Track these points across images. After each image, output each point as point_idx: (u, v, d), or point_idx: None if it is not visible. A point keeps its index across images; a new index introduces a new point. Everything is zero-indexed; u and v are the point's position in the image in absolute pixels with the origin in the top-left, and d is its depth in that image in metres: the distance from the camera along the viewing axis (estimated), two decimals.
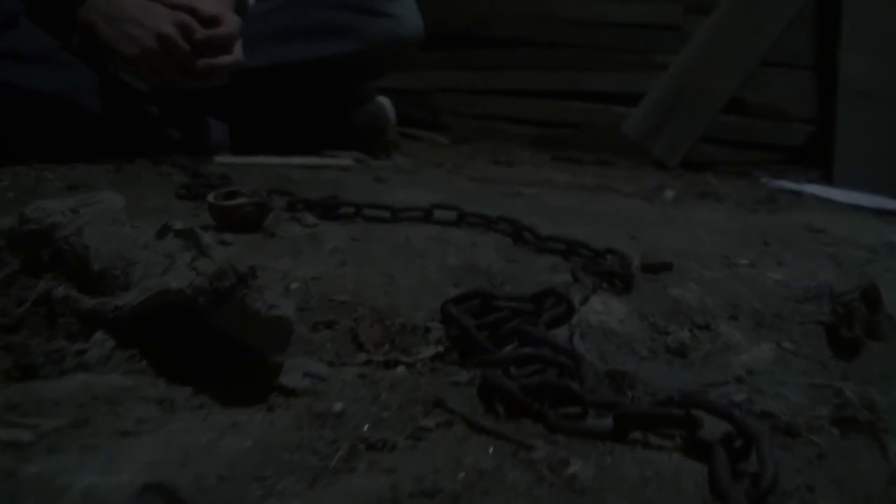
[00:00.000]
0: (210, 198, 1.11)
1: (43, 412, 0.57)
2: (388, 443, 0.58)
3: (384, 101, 2.05)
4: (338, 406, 0.63)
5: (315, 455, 0.56)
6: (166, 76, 1.65)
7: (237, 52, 1.69)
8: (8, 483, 0.49)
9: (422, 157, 2.16)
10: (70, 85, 1.61)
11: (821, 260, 1.27)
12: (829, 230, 1.55)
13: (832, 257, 1.29)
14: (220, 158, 1.76)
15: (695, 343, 0.87)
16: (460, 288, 0.93)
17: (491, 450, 0.59)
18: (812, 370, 0.84)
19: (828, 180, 2.64)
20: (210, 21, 1.69)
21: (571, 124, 3.13)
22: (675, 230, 1.40)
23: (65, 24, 1.63)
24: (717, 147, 2.91)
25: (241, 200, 1.10)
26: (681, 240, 1.30)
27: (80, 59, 1.67)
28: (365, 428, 0.60)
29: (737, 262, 1.17)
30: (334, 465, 0.55)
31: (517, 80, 3.21)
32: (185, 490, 0.49)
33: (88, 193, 0.86)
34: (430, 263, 1.00)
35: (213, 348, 0.66)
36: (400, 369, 0.73)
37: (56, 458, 0.52)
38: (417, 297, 0.88)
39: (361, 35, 1.94)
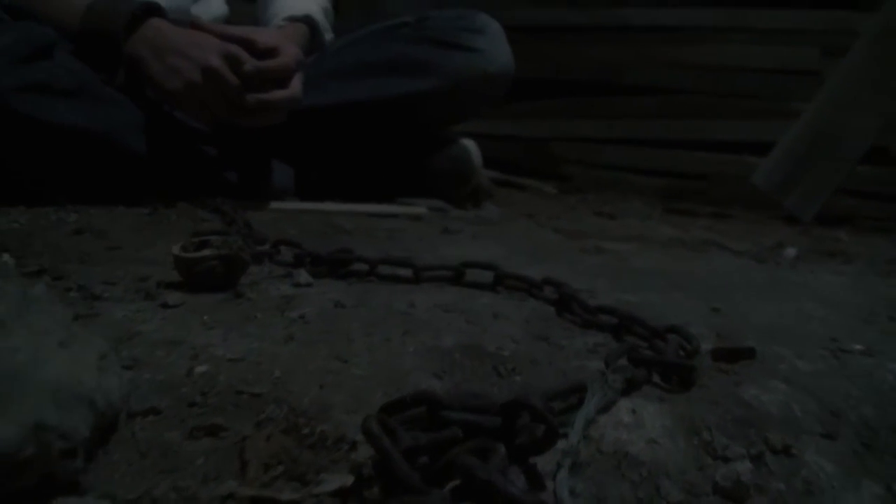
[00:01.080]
0: (175, 249, 0.88)
1: None
2: None
3: (468, 144, 1.80)
4: None
5: None
6: (214, 113, 1.44)
7: (294, 87, 1.48)
8: None
9: (516, 207, 1.90)
10: (108, 121, 1.42)
11: None
12: None
13: None
14: (276, 204, 1.54)
15: (760, 480, 0.57)
16: (445, 379, 0.66)
17: None
18: None
19: None
20: (266, 53, 1.48)
21: (700, 175, 2.81)
22: (778, 300, 1.08)
23: (110, 58, 1.44)
24: (857, 200, 2.54)
25: (204, 253, 0.86)
26: (780, 314, 0.99)
27: (127, 95, 1.48)
28: None
29: (848, 348, 0.85)
30: None
31: (643, 129, 2.92)
32: None
33: None
34: (416, 342, 0.73)
35: None
36: None
37: None
38: (366, 394, 0.61)
39: (442, 72, 1.70)
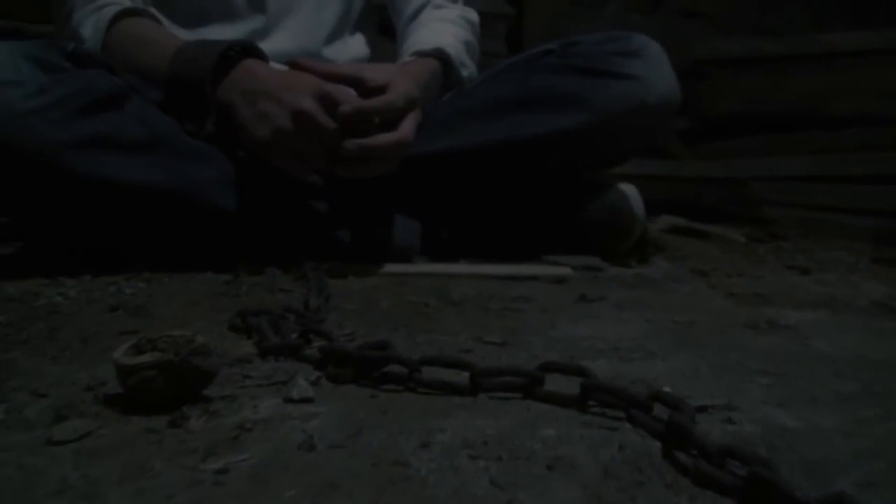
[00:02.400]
0: (119, 351, 0.60)
1: None
2: None
3: (628, 189, 1.44)
4: None
5: None
6: (309, 163, 1.18)
7: (403, 130, 1.19)
8: None
9: (690, 261, 1.52)
10: (189, 176, 1.18)
11: None
12: None
13: None
14: (390, 267, 1.25)
15: None
16: None
17: None
18: None
19: None
20: (376, 92, 1.21)
21: None
22: None
23: (198, 106, 1.21)
24: None
25: (141, 359, 0.58)
26: None
27: (219, 147, 1.24)
28: None
29: None
30: None
31: (852, 164, 2.45)
32: None
33: None
34: None
35: None
36: None
37: None
38: None
39: (591, 105, 1.36)
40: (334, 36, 1.59)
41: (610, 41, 1.42)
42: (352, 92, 1.20)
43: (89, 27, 1.33)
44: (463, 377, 0.64)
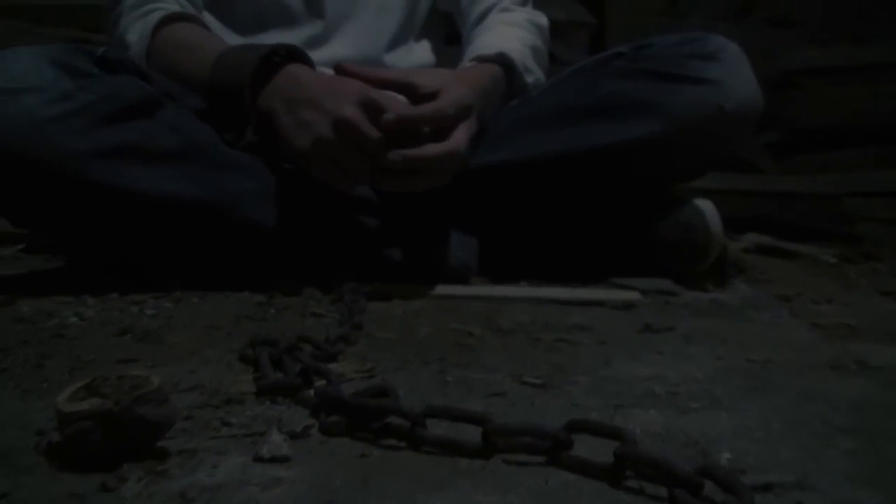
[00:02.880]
0: (62, 395, 0.49)
1: None
2: None
3: (704, 205, 1.29)
4: None
5: None
6: (352, 175, 1.07)
7: (454, 140, 1.07)
8: None
9: (775, 285, 1.36)
10: (224, 189, 1.09)
11: None
12: None
13: None
14: (442, 289, 1.13)
15: None
16: None
17: None
18: None
19: None
20: (428, 99, 1.09)
21: None
22: None
23: (238, 114, 1.11)
24: None
25: (78, 408, 0.47)
26: None
27: (261, 157, 1.15)
28: None
29: None
30: None
31: None
32: None
33: None
34: None
35: None
36: None
37: None
38: None
39: (664, 112, 1.21)
40: (397, 42, 1.48)
41: (685, 43, 1.27)
42: (401, 99, 1.09)
43: (135, 33, 1.25)
44: (475, 435, 0.52)
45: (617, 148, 1.22)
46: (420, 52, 1.51)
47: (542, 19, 1.49)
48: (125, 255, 1.13)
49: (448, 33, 1.62)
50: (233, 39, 1.40)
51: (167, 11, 1.25)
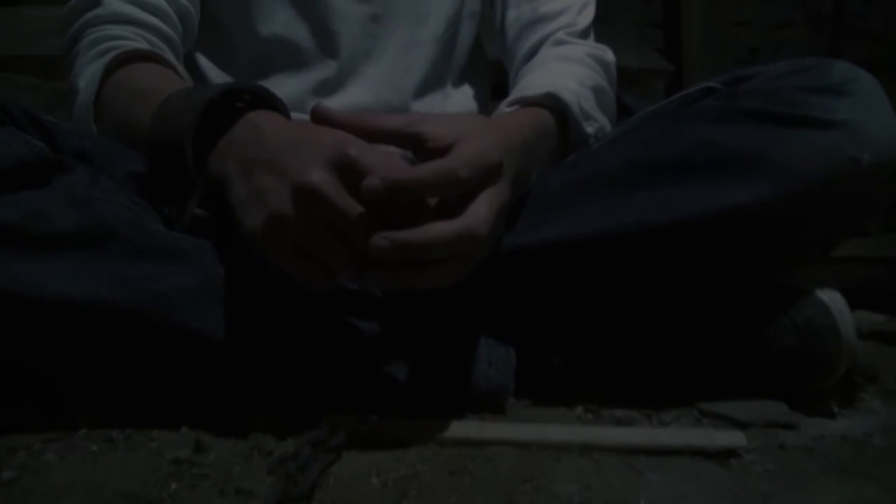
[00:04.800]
0: None
1: None
2: None
3: (831, 299, 0.84)
4: None
5: None
6: (324, 268, 0.67)
7: (474, 215, 0.67)
8: None
9: None
10: (140, 288, 0.69)
11: None
12: None
13: None
14: (457, 426, 0.72)
15: None
16: None
17: None
18: None
19: None
20: (439, 154, 0.70)
21: None
22: None
23: (179, 180, 0.73)
24: None
25: None
26: None
27: (212, 240, 0.76)
28: None
29: None
30: None
31: None
32: None
33: None
34: None
35: None
36: None
37: None
38: None
39: (775, 167, 0.78)
40: (429, 85, 1.10)
41: (799, 72, 0.84)
42: (394, 155, 0.69)
43: (85, 77, 0.89)
44: None
45: (709, 220, 0.79)
46: (459, 100, 1.13)
47: (608, 55, 1.08)
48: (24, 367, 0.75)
49: (495, 83, 1.23)
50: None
51: (126, 48, 0.89)
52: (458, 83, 1.15)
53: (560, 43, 1.06)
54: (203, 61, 1.08)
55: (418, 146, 0.72)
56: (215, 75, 1.08)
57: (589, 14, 1.11)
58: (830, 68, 0.83)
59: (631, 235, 0.80)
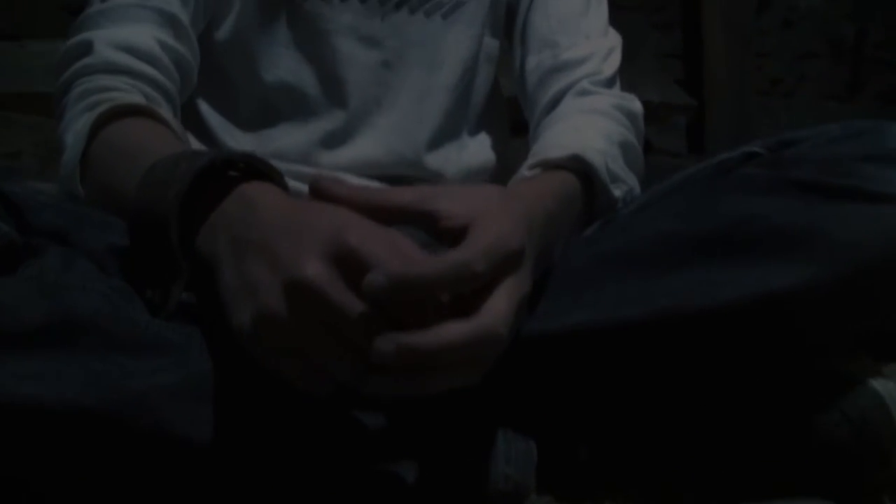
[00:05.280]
0: None
1: None
2: None
3: (885, 389, 0.74)
4: None
5: None
6: (322, 371, 0.58)
7: (491, 314, 0.57)
8: None
9: None
10: (116, 387, 0.60)
11: None
12: None
13: None
14: None
15: None
16: None
17: None
18: None
19: None
20: (452, 235, 0.61)
21: None
22: None
23: (162, 261, 0.64)
24: None
25: None
26: None
27: (201, 328, 0.67)
28: None
29: None
30: None
31: None
32: None
33: None
34: None
35: None
36: None
37: None
38: None
39: (827, 246, 0.69)
40: (443, 136, 1.01)
41: (850, 137, 0.74)
42: (403, 240, 0.60)
43: (73, 133, 0.81)
44: None
45: (752, 305, 0.70)
46: (476, 151, 1.04)
47: (635, 104, 0.99)
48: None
49: (514, 119, 1.14)
50: (234, 136, 0.96)
51: (118, 102, 0.80)
52: (474, 131, 1.07)
53: (584, 93, 0.97)
54: (204, 108, 1.01)
55: (430, 225, 0.64)
56: (217, 123, 1.00)
57: (615, 61, 1.02)
58: (886, 133, 0.73)
59: (665, 321, 0.71)
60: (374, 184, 0.96)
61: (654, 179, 0.87)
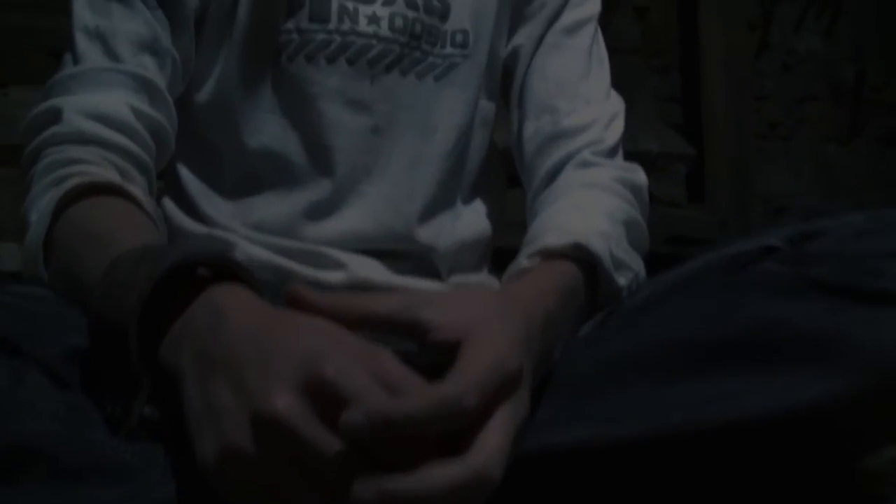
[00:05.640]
0: None
1: None
2: None
3: None
4: None
5: None
6: None
7: (484, 453, 0.50)
8: None
9: None
10: None
11: None
12: None
13: None
14: None
15: None
16: None
17: None
18: None
19: None
20: (442, 349, 0.54)
21: None
22: None
23: (122, 375, 0.57)
24: None
25: None
26: None
27: (165, 445, 0.60)
28: None
29: None
30: None
31: None
32: None
33: None
34: None
35: None
36: None
37: None
38: None
39: (855, 355, 0.61)
40: (436, 207, 0.95)
41: (877, 232, 0.67)
42: (387, 362, 0.53)
43: (38, 211, 0.74)
44: None
45: (772, 420, 0.63)
46: (470, 220, 0.98)
47: (638, 176, 0.93)
48: None
49: (510, 171, 1.07)
50: (215, 204, 0.89)
51: (85, 179, 0.74)
52: (468, 199, 1.00)
53: (585, 165, 0.90)
54: (184, 172, 0.94)
55: (417, 337, 0.57)
56: (197, 190, 0.93)
57: (618, 128, 0.95)
58: None
59: (678, 436, 0.63)
60: (363, 259, 0.90)
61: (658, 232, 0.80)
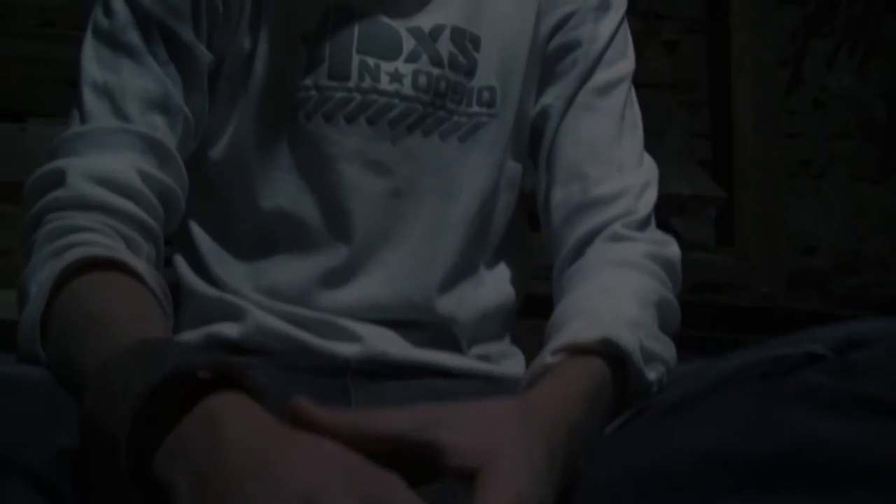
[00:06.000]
0: None
1: None
2: None
3: None
4: None
5: None
6: None
7: None
8: None
9: None
10: None
11: None
12: None
13: None
14: None
15: None
16: None
17: None
18: None
19: None
20: (457, 475, 0.49)
21: None
22: None
23: (116, 482, 0.52)
24: None
25: None
26: None
27: None
28: None
29: None
30: None
31: None
32: None
33: None
34: None
35: None
36: None
37: None
38: None
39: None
40: (457, 275, 0.90)
41: None
42: (388, 500, 0.47)
43: (37, 283, 0.70)
44: None
45: None
46: (493, 288, 0.92)
47: (671, 249, 0.87)
48: None
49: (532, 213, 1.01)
50: (227, 266, 0.85)
51: (86, 253, 0.69)
52: (491, 264, 0.94)
53: (615, 238, 0.85)
54: (196, 230, 0.89)
55: (432, 460, 0.52)
56: (209, 249, 0.88)
57: (650, 198, 0.89)
58: None
59: None
60: (379, 329, 0.85)
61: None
